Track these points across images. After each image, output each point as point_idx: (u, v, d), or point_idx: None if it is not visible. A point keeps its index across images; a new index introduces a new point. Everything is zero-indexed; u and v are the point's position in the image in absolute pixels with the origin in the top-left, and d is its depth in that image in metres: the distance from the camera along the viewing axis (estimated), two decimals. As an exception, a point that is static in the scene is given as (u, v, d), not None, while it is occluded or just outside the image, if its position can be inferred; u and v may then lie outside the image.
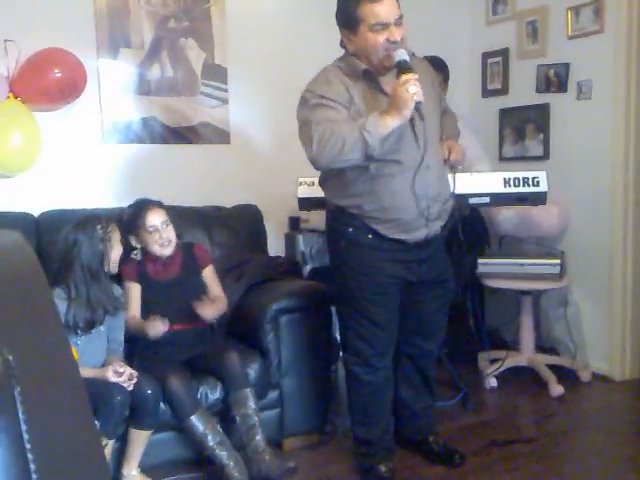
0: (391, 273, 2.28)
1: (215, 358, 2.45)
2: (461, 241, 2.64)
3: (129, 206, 2.65)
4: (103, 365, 2.28)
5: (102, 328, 2.33)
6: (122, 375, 2.17)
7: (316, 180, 3.08)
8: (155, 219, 2.54)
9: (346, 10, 2.15)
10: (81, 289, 2.25)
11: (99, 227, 2.31)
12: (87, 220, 2.33)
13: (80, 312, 2.25)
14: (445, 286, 2.47)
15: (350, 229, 2.27)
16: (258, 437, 2.36)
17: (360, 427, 2.45)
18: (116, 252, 2.36)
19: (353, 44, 2.18)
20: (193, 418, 2.28)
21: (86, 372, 2.14)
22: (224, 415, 2.43)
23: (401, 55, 2.08)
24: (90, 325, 2.27)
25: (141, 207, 2.58)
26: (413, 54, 2.23)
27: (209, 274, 2.69)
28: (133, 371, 2.20)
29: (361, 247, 2.26)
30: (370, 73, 2.20)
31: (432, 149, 2.23)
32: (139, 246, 2.58)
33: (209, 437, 2.28)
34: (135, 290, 2.56)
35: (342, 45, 2.27)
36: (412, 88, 1.98)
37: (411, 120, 2.11)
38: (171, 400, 2.29)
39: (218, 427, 2.34)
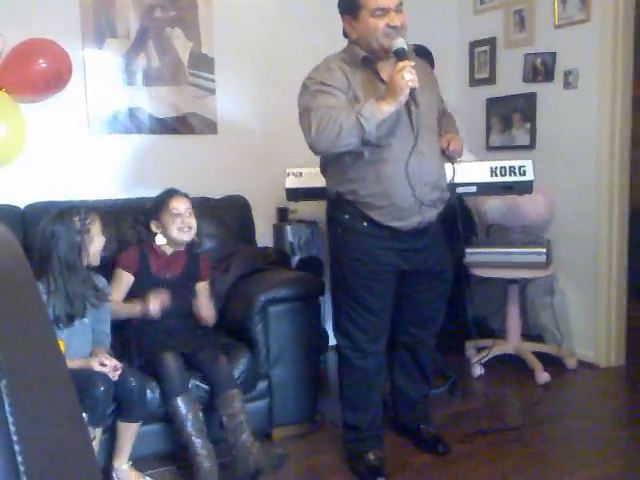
0: (385, 261, 2.31)
1: (205, 361, 2.45)
2: (456, 230, 2.67)
3: (156, 195, 2.70)
4: (89, 357, 2.27)
5: (86, 320, 2.31)
6: (107, 366, 2.16)
7: (304, 171, 3.11)
8: (180, 204, 2.59)
9: None
10: (59, 282, 2.22)
11: (77, 219, 2.27)
12: (64, 212, 2.29)
13: (60, 305, 2.22)
14: (442, 277, 2.49)
15: (346, 216, 2.31)
16: (245, 434, 2.35)
17: (350, 413, 2.48)
18: (96, 244, 2.34)
19: (355, 30, 2.24)
20: (179, 399, 2.28)
21: (71, 363, 2.14)
22: (208, 407, 2.42)
23: (400, 44, 2.15)
24: (70, 318, 2.25)
25: (168, 193, 2.64)
26: (413, 47, 2.30)
27: (203, 288, 2.70)
28: (118, 362, 2.20)
29: (356, 234, 2.30)
30: (369, 60, 2.26)
31: (426, 137, 2.28)
32: (159, 231, 2.60)
33: (189, 422, 2.28)
34: (125, 279, 2.56)
35: (345, 34, 2.32)
36: (407, 75, 2.05)
37: (406, 105, 2.16)
38: (162, 376, 2.29)
39: (200, 415, 2.33)
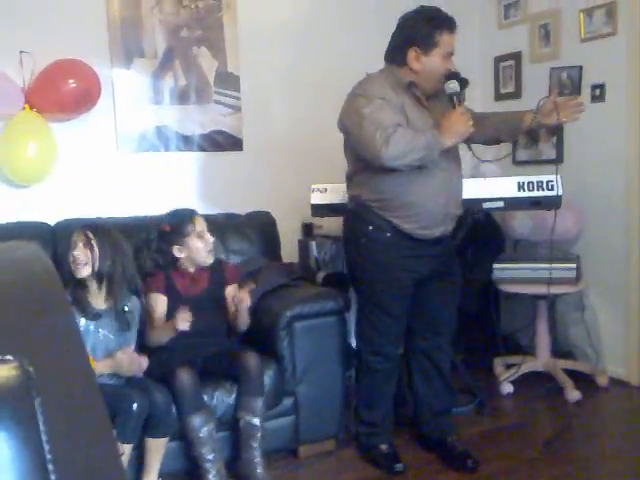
0: (407, 268, 2.45)
1: (233, 357, 2.45)
2: (477, 246, 2.72)
3: (168, 217, 2.64)
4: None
5: (111, 336, 2.34)
6: (134, 356, 2.22)
7: (329, 187, 3.11)
8: (202, 225, 2.57)
9: (426, 32, 2.35)
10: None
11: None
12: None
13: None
14: (452, 280, 2.62)
15: (370, 227, 2.43)
16: (256, 448, 2.36)
17: (365, 410, 2.64)
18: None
19: (420, 63, 2.37)
20: (193, 417, 2.27)
21: (100, 365, 2.18)
22: (236, 420, 2.42)
23: (455, 87, 2.36)
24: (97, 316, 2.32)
25: (186, 215, 2.60)
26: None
27: (231, 292, 2.66)
28: (143, 357, 2.24)
29: (380, 244, 2.42)
30: (414, 85, 2.40)
31: (451, 154, 2.43)
32: (183, 255, 2.53)
33: (201, 441, 2.27)
34: (161, 302, 2.52)
35: (390, 59, 2.45)
36: (470, 121, 2.30)
37: None
38: (176, 393, 2.28)
39: (214, 434, 2.32)
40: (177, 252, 2.54)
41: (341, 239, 3.39)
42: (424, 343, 2.63)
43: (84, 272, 2.31)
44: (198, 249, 2.54)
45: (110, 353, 2.31)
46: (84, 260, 2.30)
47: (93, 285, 2.34)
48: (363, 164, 2.38)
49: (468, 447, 2.63)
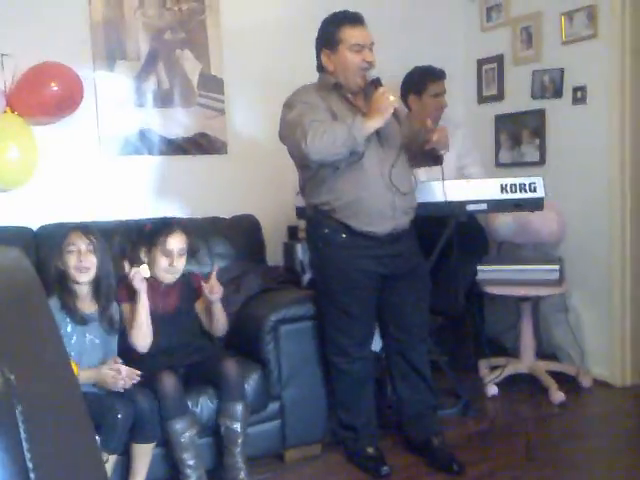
0: (364, 268, 2.49)
1: (212, 364, 2.44)
2: (460, 248, 2.74)
3: (155, 221, 2.64)
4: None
5: (97, 341, 2.32)
6: (120, 372, 2.17)
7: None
8: (175, 244, 2.50)
9: (328, 31, 2.48)
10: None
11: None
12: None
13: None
14: (420, 280, 2.65)
15: (326, 230, 2.49)
16: (237, 455, 2.35)
17: (345, 414, 2.65)
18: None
19: (332, 63, 2.49)
20: (174, 422, 2.25)
21: (83, 375, 2.15)
22: (216, 424, 2.41)
23: (374, 75, 2.44)
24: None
25: (167, 226, 2.54)
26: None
27: (203, 302, 2.65)
28: (130, 370, 2.21)
29: (336, 246, 2.49)
30: (339, 86, 2.49)
31: (392, 149, 2.50)
32: (146, 261, 2.52)
33: (182, 447, 2.26)
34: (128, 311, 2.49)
35: (319, 69, 2.57)
36: (391, 97, 2.33)
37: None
38: (159, 397, 2.26)
39: (196, 440, 2.31)
40: (142, 255, 2.52)
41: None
42: (397, 344, 2.67)
43: (87, 277, 2.30)
44: (158, 264, 2.49)
45: (97, 358, 2.29)
46: (89, 265, 2.29)
47: (84, 290, 2.32)
48: (309, 171, 2.48)
49: (453, 449, 2.63)
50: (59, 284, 2.29)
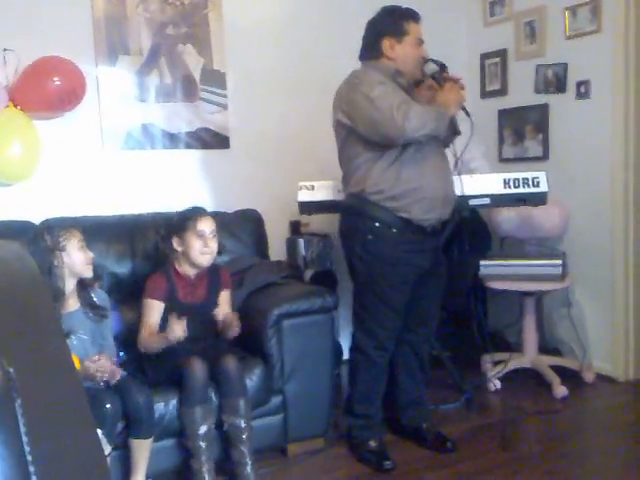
0: (413, 263, 2.53)
1: (212, 361, 2.44)
2: (463, 243, 2.76)
3: (181, 211, 2.66)
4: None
5: (84, 336, 2.29)
6: (102, 365, 2.15)
7: (316, 184, 3.10)
8: (206, 225, 2.56)
9: (396, 21, 2.53)
10: None
11: (48, 237, 2.26)
12: (37, 232, 2.32)
13: None
14: (441, 274, 2.71)
15: (377, 223, 2.47)
16: (243, 448, 2.36)
17: (360, 404, 2.67)
18: (74, 258, 2.29)
19: (394, 51, 2.53)
20: (197, 408, 2.28)
21: None
22: (222, 421, 2.41)
23: (434, 67, 2.55)
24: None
25: (196, 211, 2.61)
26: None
27: (226, 297, 2.68)
28: (115, 367, 2.19)
29: (386, 240, 2.48)
30: (400, 73, 2.54)
31: (438, 143, 2.56)
32: (180, 249, 2.54)
33: (201, 434, 2.27)
34: (157, 308, 2.50)
35: (366, 56, 2.58)
36: (462, 89, 2.52)
37: None
38: (187, 383, 2.28)
39: (213, 428, 2.33)
40: (175, 244, 2.56)
41: (329, 237, 3.41)
42: (410, 335, 2.70)
43: (90, 273, 2.34)
44: (193, 247, 2.53)
45: (87, 352, 2.28)
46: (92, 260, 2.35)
47: (71, 286, 2.32)
48: (368, 156, 2.45)
49: (457, 445, 2.65)
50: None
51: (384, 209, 2.46)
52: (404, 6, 2.58)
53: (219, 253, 2.66)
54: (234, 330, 2.54)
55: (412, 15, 2.55)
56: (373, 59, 2.56)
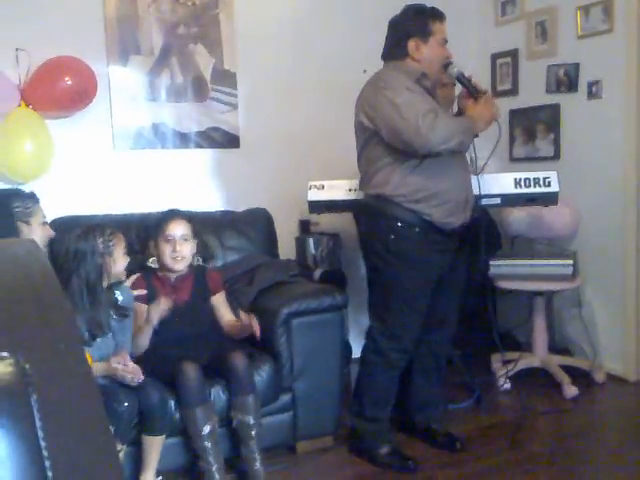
0: (437, 264, 2.52)
1: (221, 358, 2.45)
2: (476, 243, 2.74)
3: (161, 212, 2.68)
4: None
5: (109, 335, 2.32)
6: (128, 367, 2.15)
7: (326, 183, 3.10)
8: (176, 230, 2.55)
9: (422, 22, 2.49)
10: (79, 303, 2.19)
11: (101, 239, 2.26)
12: (89, 230, 2.27)
13: (81, 325, 2.18)
14: (461, 275, 2.70)
15: (399, 224, 2.44)
16: (252, 445, 2.37)
17: (372, 406, 2.62)
18: (119, 265, 2.32)
19: (420, 52, 2.48)
20: (197, 410, 2.27)
21: (94, 368, 2.14)
22: (230, 420, 2.42)
23: (459, 69, 2.53)
24: (93, 337, 2.24)
25: (167, 215, 2.61)
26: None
27: (220, 300, 2.68)
28: (137, 367, 2.18)
29: (410, 240, 2.46)
30: (425, 75, 2.50)
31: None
32: (155, 253, 2.58)
33: (205, 435, 2.27)
34: (140, 311, 2.49)
35: (390, 56, 2.54)
36: (496, 108, 2.50)
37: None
38: (181, 386, 2.27)
39: (216, 427, 2.33)
40: (151, 248, 2.58)
41: (338, 236, 3.41)
42: (429, 336, 2.67)
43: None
44: (162, 252, 2.54)
45: (109, 351, 2.30)
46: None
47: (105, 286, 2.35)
48: (389, 160, 2.42)
49: (466, 444, 2.66)
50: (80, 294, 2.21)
51: (407, 210, 2.43)
52: (429, 5, 2.54)
53: (208, 258, 2.65)
54: (255, 330, 2.48)
55: (438, 15, 2.52)
56: (398, 60, 2.51)
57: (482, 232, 2.77)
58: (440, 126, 2.28)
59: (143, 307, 2.50)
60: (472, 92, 2.50)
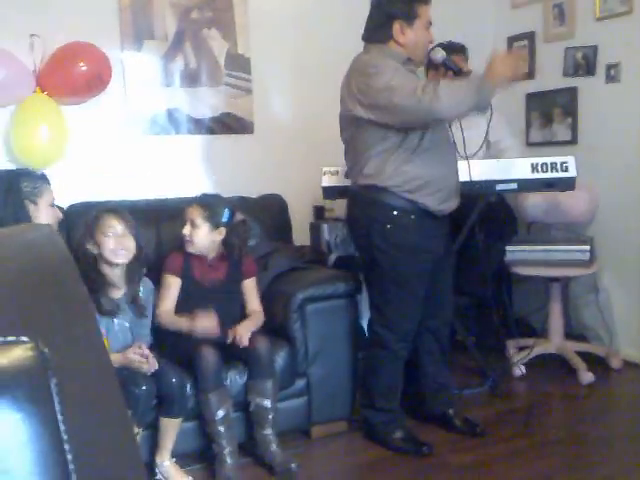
0: (433, 249, 2.51)
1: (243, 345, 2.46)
2: (490, 228, 2.73)
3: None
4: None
5: (126, 324, 2.34)
6: (144, 355, 2.17)
7: (340, 169, 3.09)
8: (193, 214, 2.53)
9: (406, 5, 2.40)
10: None
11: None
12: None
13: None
14: (451, 257, 2.74)
15: (395, 212, 2.42)
16: (268, 429, 2.39)
17: (382, 398, 2.61)
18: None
19: (404, 36, 2.41)
20: (212, 395, 2.29)
21: (111, 358, 2.14)
22: (245, 400, 2.44)
23: (443, 53, 2.53)
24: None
25: (187, 201, 2.62)
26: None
27: (250, 286, 2.66)
28: (154, 359, 2.20)
29: (406, 228, 2.44)
30: (411, 61, 2.46)
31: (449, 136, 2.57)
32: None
33: (219, 419, 2.29)
34: (175, 286, 2.53)
35: (373, 38, 2.46)
36: (519, 61, 2.48)
37: None
38: (199, 369, 2.29)
39: (230, 412, 2.35)
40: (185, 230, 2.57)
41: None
42: (430, 322, 2.66)
43: (125, 259, 2.31)
44: (182, 235, 2.53)
45: (127, 342, 2.31)
46: (127, 247, 2.30)
47: (117, 273, 2.33)
48: (381, 149, 2.38)
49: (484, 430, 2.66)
50: (86, 269, 2.24)
51: (402, 198, 2.41)
52: None
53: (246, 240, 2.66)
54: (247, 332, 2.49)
55: None
56: (381, 42, 2.44)
57: (493, 217, 2.76)
58: (443, 93, 2.20)
59: (173, 280, 2.51)
60: (459, 75, 2.50)
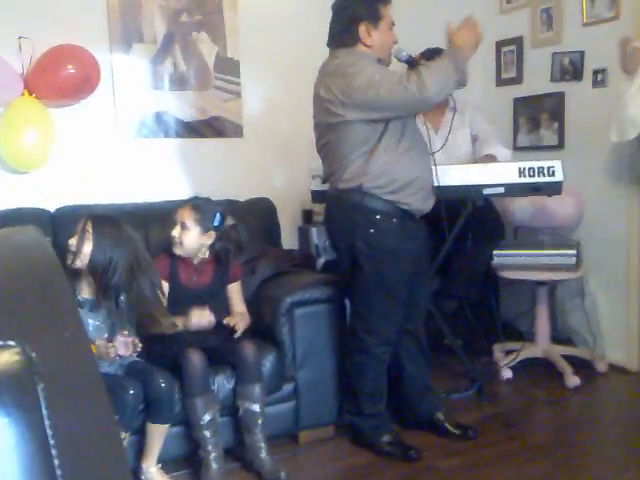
0: (414, 252, 2.52)
1: (230, 346, 2.46)
2: (477, 233, 2.74)
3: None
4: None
5: (103, 325, 2.28)
6: (126, 337, 2.12)
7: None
8: (181, 217, 2.53)
9: (371, 6, 2.43)
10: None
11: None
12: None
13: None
14: (428, 260, 2.74)
15: (378, 216, 2.42)
16: (257, 433, 2.38)
17: (369, 404, 2.60)
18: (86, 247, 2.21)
19: (371, 37, 2.42)
20: (198, 399, 2.28)
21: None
22: (233, 405, 2.43)
23: (405, 51, 2.51)
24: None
25: (182, 202, 2.63)
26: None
27: (235, 289, 2.67)
28: (127, 340, 2.14)
29: (389, 232, 2.45)
30: (381, 62, 2.47)
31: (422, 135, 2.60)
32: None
33: (205, 424, 2.28)
34: (163, 288, 2.51)
35: (339, 43, 2.47)
36: (477, 27, 2.43)
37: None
38: (185, 374, 2.28)
39: (217, 417, 2.33)
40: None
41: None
42: (410, 324, 2.66)
43: (76, 262, 2.21)
44: (171, 237, 2.54)
45: (102, 333, 2.27)
46: (83, 251, 2.21)
47: (88, 277, 2.27)
48: (360, 153, 2.38)
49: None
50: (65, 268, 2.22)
51: (384, 201, 2.41)
52: None
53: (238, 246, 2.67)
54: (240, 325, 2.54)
55: None
56: (348, 46, 2.43)
57: (481, 221, 2.77)
58: (428, 79, 2.23)
59: (164, 284, 2.50)
60: (413, 65, 2.49)
